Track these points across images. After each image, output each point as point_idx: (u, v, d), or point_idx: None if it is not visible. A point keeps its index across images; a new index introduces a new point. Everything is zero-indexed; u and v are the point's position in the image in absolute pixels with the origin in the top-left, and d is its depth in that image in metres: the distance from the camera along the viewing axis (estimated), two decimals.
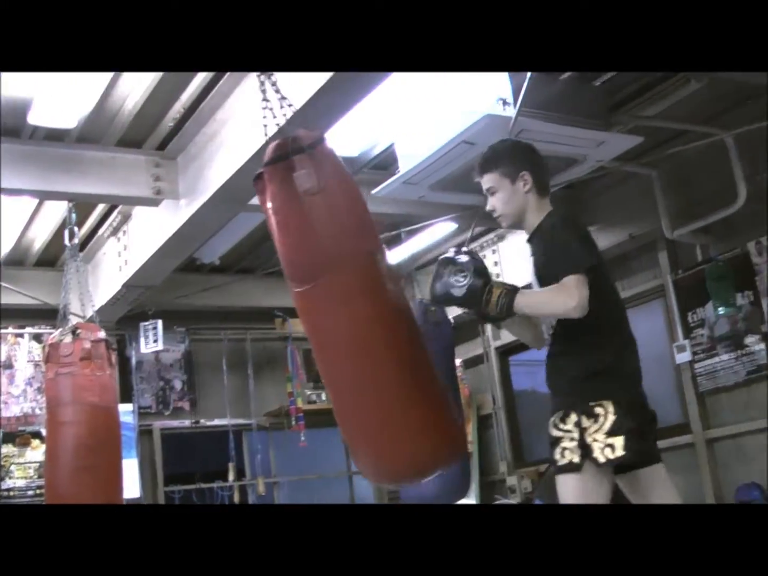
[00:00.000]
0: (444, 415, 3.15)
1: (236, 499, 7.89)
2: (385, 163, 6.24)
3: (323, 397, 8.46)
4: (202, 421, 8.22)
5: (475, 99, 4.99)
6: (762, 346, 6.25)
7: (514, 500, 7.77)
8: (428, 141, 5.24)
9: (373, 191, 5.63)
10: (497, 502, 7.48)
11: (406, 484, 3.18)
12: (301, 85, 4.09)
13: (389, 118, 5.49)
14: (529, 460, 8.28)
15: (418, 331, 3.21)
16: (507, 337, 8.38)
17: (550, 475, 3.74)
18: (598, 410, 3.03)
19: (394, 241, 7.07)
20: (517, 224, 3.37)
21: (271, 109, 3.37)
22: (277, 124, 3.36)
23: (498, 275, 7.83)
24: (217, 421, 8.22)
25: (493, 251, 8.04)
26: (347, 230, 3.08)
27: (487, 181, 3.35)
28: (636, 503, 3.20)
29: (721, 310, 6.24)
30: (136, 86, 4.94)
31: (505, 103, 4.86)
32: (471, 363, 8.67)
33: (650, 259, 7.15)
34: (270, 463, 8.37)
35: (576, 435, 3.04)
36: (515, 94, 4.88)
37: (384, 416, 3.03)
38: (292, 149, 3.07)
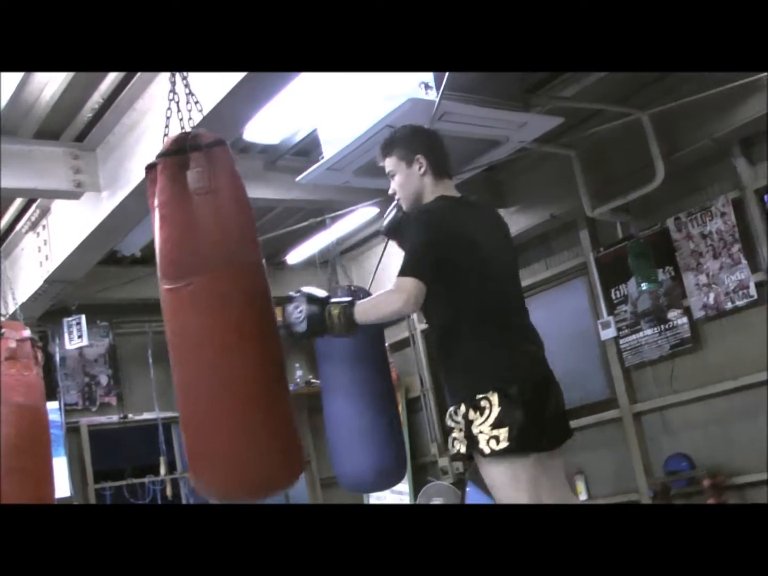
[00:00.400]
0: (292, 436, 3.11)
1: (168, 492, 7.82)
2: (307, 149, 6.22)
3: None
4: (129, 415, 8.10)
5: (397, 83, 4.99)
6: (684, 320, 6.39)
7: (446, 482, 7.83)
8: (351, 126, 5.21)
9: (297, 178, 5.60)
10: (430, 484, 7.53)
11: (244, 500, 3.07)
12: (217, 81, 4.07)
13: (311, 104, 5.46)
14: None
15: (279, 350, 3.15)
16: None
17: None
18: (484, 403, 3.09)
19: (319, 227, 7.05)
20: (415, 207, 3.39)
21: (177, 102, 3.28)
22: (181, 119, 3.29)
23: None
24: (145, 415, 8.10)
25: None
26: (230, 236, 3.01)
27: (387, 165, 3.43)
28: None
29: (643, 286, 6.35)
30: (53, 77, 4.81)
31: (427, 87, 4.85)
32: (397, 346, 8.69)
33: (571, 237, 7.25)
34: None
35: (463, 426, 3.14)
36: (437, 78, 4.89)
37: (234, 427, 2.95)
38: (189, 145, 3.02)
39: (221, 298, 2.96)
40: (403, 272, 3.13)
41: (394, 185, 3.43)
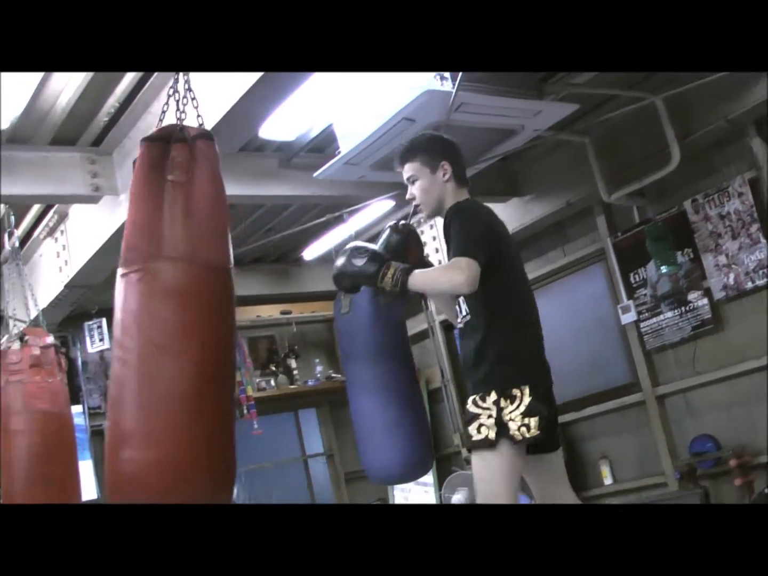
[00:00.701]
0: (218, 449, 2.96)
1: None
2: (322, 145, 6.23)
3: (272, 383, 8.45)
4: None
5: (412, 75, 5.00)
6: (705, 301, 6.39)
7: (469, 471, 7.83)
8: (368, 120, 5.23)
9: (315, 174, 5.62)
10: (454, 474, 7.54)
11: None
12: (235, 81, 4.11)
13: (325, 100, 5.46)
14: None
15: (223, 358, 3.01)
16: None
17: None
18: (516, 392, 3.22)
19: (336, 222, 7.06)
20: (436, 212, 3.53)
21: (177, 100, 3.23)
22: (179, 119, 3.27)
23: (437, 249, 7.91)
24: None
25: (431, 226, 8.07)
26: (194, 230, 2.95)
27: (407, 170, 3.51)
28: (533, 486, 3.48)
29: (663, 269, 6.35)
30: (68, 83, 4.84)
31: (442, 78, 4.87)
32: (417, 338, 8.69)
33: (588, 224, 7.25)
34: None
35: (494, 413, 3.21)
36: None
37: (169, 421, 2.83)
38: (174, 136, 3.01)
39: (168, 291, 2.88)
40: (462, 252, 3.20)
41: (414, 190, 3.49)
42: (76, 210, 6.16)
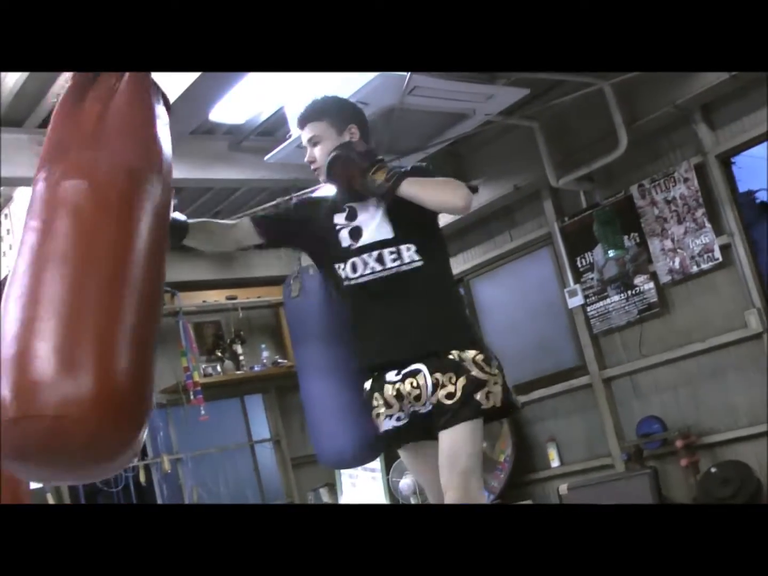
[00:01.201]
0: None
1: (141, 478, 7.77)
2: (272, 129, 6.18)
3: (219, 369, 8.38)
4: None
5: None
6: (651, 285, 6.48)
7: None
8: None
9: (266, 157, 5.58)
10: (399, 460, 7.54)
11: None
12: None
13: (276, 83, 5.42)
14: None
15: (156, 269, 2.75)
16: None
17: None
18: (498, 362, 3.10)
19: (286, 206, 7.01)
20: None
21: None
22: None
23: None
24: None
25: None
26: (110, 133, 2.73)
27: (311, 130, 3.23)
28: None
29: (611, 253, 6.43)
30: None
31: None
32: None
33: (535, 208, 7.30)
34: (171, 440, 8.25)
35: (500, 380, 3.02)
36: None
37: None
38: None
39: (69, 197, 2.62)
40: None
41: (316, 153, 3.22)
42: (21, 193, 6.04)
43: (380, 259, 3.08)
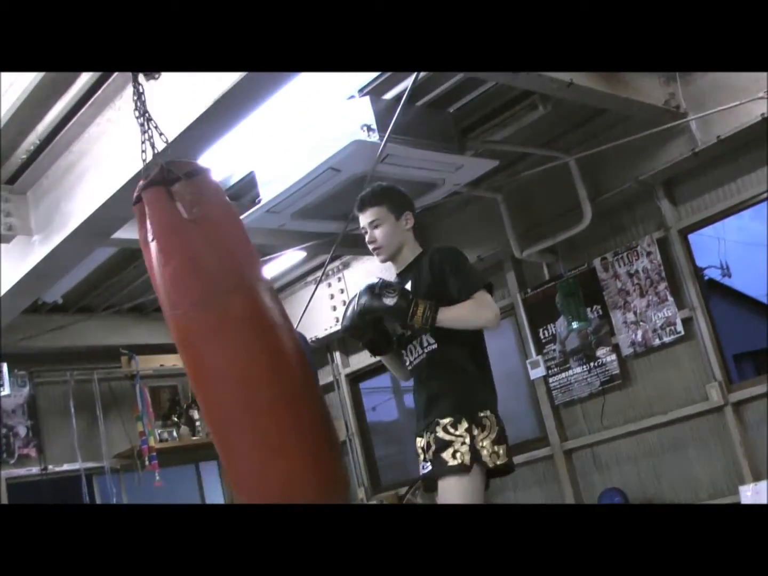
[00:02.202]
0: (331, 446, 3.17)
1: None
2: (239, 193, 6.19)
3: (175, 434, 8.27)
4: (50, 467, 7.85)
5: (337, 125, 5.03)
6: (613, 357, 6.53)
7: None
8: (291, 168, 5.23)
9: None
10: None
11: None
12: (173, 120, 4.04)
13: (247, 147, 5.45)
14: (386, 485, 8.36)
15: (304, 358, 3.22)
16: (356, 363, 8.47)
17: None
18: (485, 421, 3.34)
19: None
20: (393, 257, 3.65)
21: (146, 131, 3.30)
22: (144, 150, 3.27)
23: (344, 302, 7.91)
24: (66, 467, 7.88)
25: (339, 279, 8.10)
26: (228, 259, 3.04)
27: (372, 214, 3.60)
28: None
29: (574, 325, 6.48)
30: None
31: (369, 129, 4.91)
32: (322, 391, 8.64)
33: (498, 279, 7.32)
34: None
35: (467, 440, 3.29)
36: (378, 119, 4.95)
37: (273, 443, 3.00)
38: (171, 175, 3.03)
39: (227, 324, 2.98)
40: (478, 288, 3.38)
41: (377, 234, 3.58)
42: None
43: (415, 347, 3.53)
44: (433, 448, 3.37)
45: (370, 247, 3.63)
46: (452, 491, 3.31)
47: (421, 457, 3.50)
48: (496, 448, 3.32)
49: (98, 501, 8.04)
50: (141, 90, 3.32)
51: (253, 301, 3.05)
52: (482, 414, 3.34)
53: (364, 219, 3.62)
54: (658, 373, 6.37)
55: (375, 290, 3.38)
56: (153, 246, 3.04)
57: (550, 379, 6.93)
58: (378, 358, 3.77)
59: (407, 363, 3.60)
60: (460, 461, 3.28)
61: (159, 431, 8.25)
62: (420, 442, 3.52)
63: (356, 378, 8.67)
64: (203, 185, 3.09)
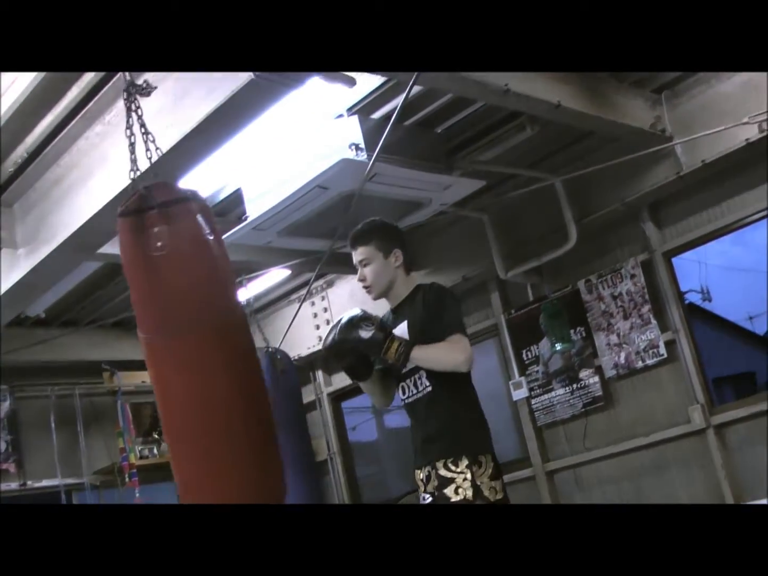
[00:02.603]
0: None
1: None
2: (226, 209, 6.18)
3: (155, 451, 8.23)
4: (29, 482, 7.79)
5: (325, 144, 5.04)
6: (596, 379, 6.55)
7: None
8: (278, 186, 5.23)
9: (223, 236, 5.55)
10: None
11: None
12: (168, 131, 4.03)
13: (233, 163, 5.44)
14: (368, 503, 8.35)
15: (265, 410, 3.20)
16: (339, 382, 8.46)
17: None
18: (482, 459, 3.51)
19: (237, 287, 6.99)
20: (383, 294, 3.76)
21: (133, 144, 3.26)
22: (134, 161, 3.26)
23: (327, 321, 7.92)
24: (45, 482, 7.81)
25: (322, 297, 8.10)
26: (195, 292, 2.99)
27: (361, 253, 3.74)
28: None
29: (558, 346, 6.49)
30: None
31: (357, 148, 4.93)
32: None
33: (482, 299, 7.36)
34: None
35: (469, 476, 3.45)
36: (366, 138, 4.97)
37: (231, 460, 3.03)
38: (144, 205, 2.99)
39: (191, 355, 2.98)
40: (458, 330, 3.53)
41: (366, 273, 3.71)
42: None
43: (410, 385, 3.65)
44: (435, 483, 3.50)
45: (361, 285, 3.75)
46: None
47: (422, 488, 3.61)
48: (493, 483, 3.49)
49: None
50: (134, 99, 3.31)
51: (212, 336, 3.01)
52: (479, 453, 3.50)
53: (355, 257, 3.75)
54: (640, 395, 6.39)
55: (353, 321, 3.48)
56: (125, 271, 3.07)
57: (533, 400, 6.94)
58: (356, 382, 3.83)
59: (403, 397, 3.70)
60: (462, 496, 3.41)
61: (140, 448, 8.21)
62: (419, 474, 3.63)
63: (338, 397, 8.65)
64: (177, 216, 2.99)
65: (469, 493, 3.42)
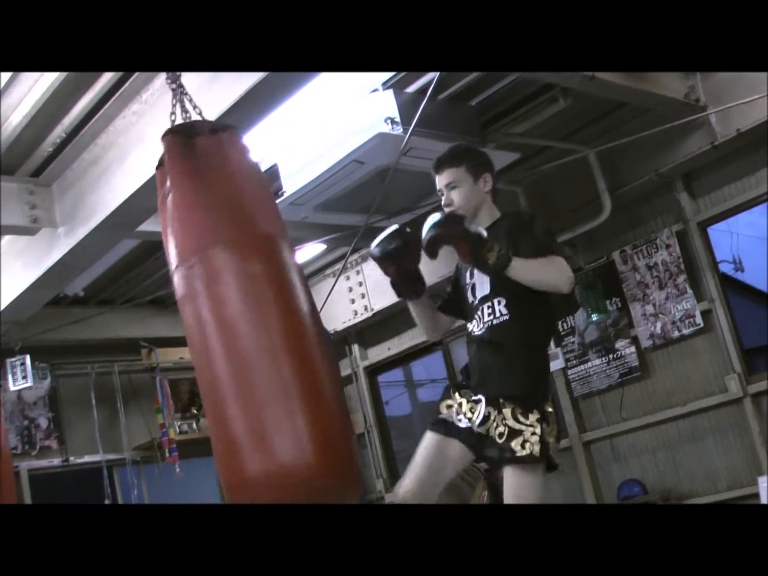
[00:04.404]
0: (335, 427, 2.90)
1: None
2: None
3: (194, 426, 8.33)
4: (71, 458, 7.92)
5: (360, 118, 5.07)
6: (632, 349, 6.56)
7: None
8: (314, 161, 5.28)
9: None
10: None
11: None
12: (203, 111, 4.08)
13: (271, 139, 5.48)
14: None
15: (319, 324, 3.05)
16: (375, 356, 8.51)
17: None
18: (550, 417, 3.24)
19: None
20: (471, 220, 3.38)
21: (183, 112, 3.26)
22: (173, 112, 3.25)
23: (363, 295, 7.96)
24: (87, 458, 7.95)
25: (357, 272, 8.13)
26: (246, 210, 2.99)
27: (449, 175, 3.45)
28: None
29: (594, 317, 6.52)
30: (14, 112, 4.76)
31: (393, 122, 4.95)
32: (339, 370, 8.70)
33: None
34: (144, 498, 8.15)
35: (538, 431, 3.17)
36: (401, 112, 4.99)
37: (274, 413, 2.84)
38: (194, 129, 3.05)
39: (239, 272, 2.90)
40: (556, 250, 3.25)
41: (453, 196, 3.43)
42: (8, 242, 6.01)
43: (483, 315, 3.37)
44: (500, 430, 3.21)
45: (446, 209, 3.44)
46: (515, 483, 3.17)
47: (459, 413, 3.35)
48: (556, 446, 3.24)
49: (119, 492, 8.10)
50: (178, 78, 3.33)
51: (267, 252, 2.96)
52: (549, 409, 3.24)
53: (441, 180, 3.48)
54: (676, 365, 6.41)
55: (455, 216, 3.24)
56: (169, 198, 3.02)
57: (569, 371, 6.96)
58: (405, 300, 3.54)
59: (471, 329, 3.44)
60: (529, 451, 3.14)
61: (179, 423, 8.32)
62: (461, 400, 3.37)
63: (374, 371, 8.71)
64: (225, 141, 3.06)
65: (536, 449, 3.13)
